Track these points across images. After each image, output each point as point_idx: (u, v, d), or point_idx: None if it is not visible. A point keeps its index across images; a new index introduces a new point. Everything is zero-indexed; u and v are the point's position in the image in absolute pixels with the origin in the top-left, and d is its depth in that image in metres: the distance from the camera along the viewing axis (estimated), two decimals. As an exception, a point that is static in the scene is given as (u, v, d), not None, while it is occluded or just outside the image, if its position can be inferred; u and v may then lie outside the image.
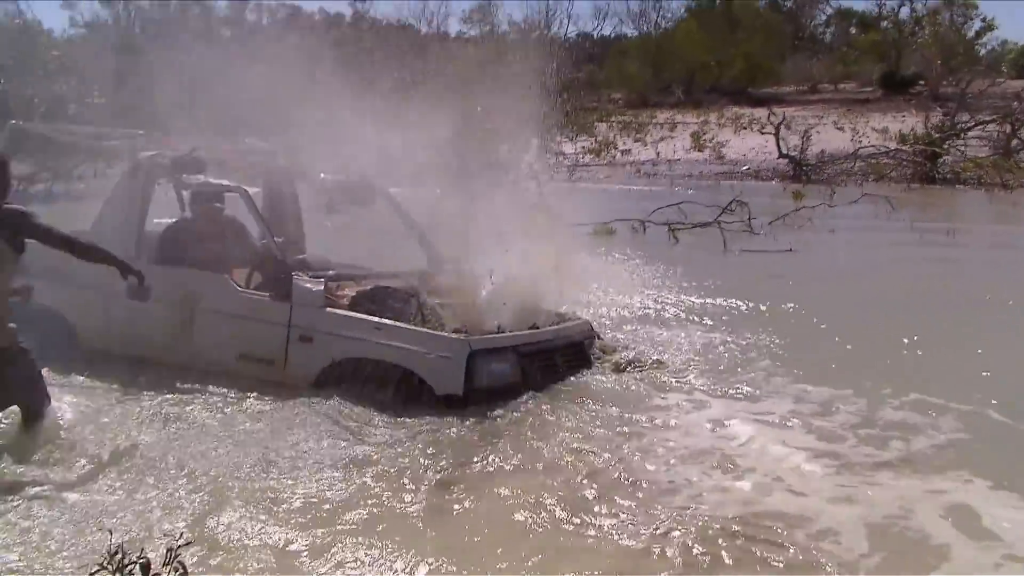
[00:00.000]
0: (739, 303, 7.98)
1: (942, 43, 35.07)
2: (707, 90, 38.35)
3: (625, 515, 3.88)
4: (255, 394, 5.19)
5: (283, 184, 6.56)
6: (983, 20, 37.90)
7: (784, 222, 12.72)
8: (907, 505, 4.01)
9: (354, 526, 3.75)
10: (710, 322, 7.29)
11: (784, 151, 19.37)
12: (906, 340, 6.73)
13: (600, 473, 4.33)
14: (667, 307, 7.86)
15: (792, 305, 7.86)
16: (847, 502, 4.06)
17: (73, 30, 44.30)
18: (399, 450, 4.49)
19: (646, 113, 32.95)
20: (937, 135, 18.64)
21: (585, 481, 4.24)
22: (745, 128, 28.18)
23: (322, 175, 6.49)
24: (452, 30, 49.97)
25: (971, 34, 37.83)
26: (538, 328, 5.52)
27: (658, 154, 23.70)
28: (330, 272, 5.52)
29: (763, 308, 7.77)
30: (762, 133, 21.55)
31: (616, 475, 4.31)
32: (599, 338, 6.15)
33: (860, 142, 21.22)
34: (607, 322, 7.09)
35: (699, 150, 24.41)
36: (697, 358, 6.26)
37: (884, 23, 42.93)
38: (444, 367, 4.97)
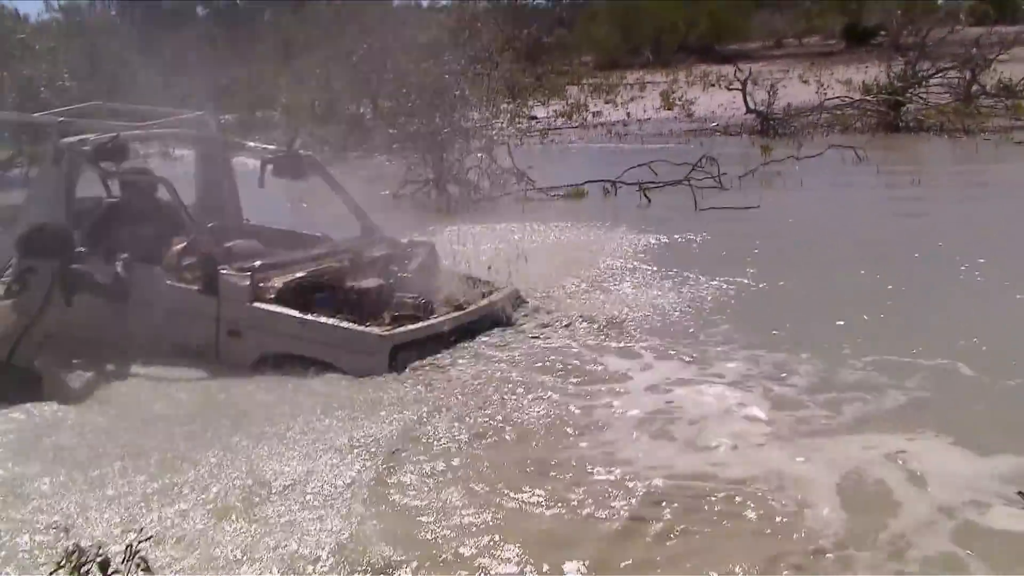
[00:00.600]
0: (703, 262, 7.69)
1: (902, -6, 34.58)
2: (675, 50, 37.78)
3: (579, 490, 3.67)
4: (203, 372, 5.03)
5: (215, 152, 6.38)
6: (941, -31, 37.41)
7: (753, 176, 12.45)
8: (863, 468, 3.79)
9: (309, 506, 3.56)
10: (669, 282, 7.00)
11: (752, 106, 19.04)
12: (869, 295, 6.42)
13: (547, 446, 4.10)
14: (627, 268, 7.56)
15: (756, 262, 7.59)
16: (804, 466, 3.85)
17: (48, 15, 43.10)
18: (342, 421, 4.34)
19: (616, 74, 32.39)
20: (899, 84, 18.35)
21: (532, 454, 4.02)
22: (713, 85, 27.72)
23: (251, 144, 6.39)
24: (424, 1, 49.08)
25: (930, -17, 37.35)
26: (463, 308, 5.36)
27: (628, 115, 23.28)
28: (256, 264, 5.27)
29: (727, 267, 7.44)
30: (729, 89, 21.16)
31: (563, 447, 4.09)
32: (525, 302, 5.92)
33: (825, 94, 20.88)
34: (562, 284, 6.79)
35: (668, 109, 23.98)
36: (651, 319, 5.98)
37: (845, -24, 42.32)
38: (367, 364, 4.83)
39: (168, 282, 5.22)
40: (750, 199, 10.67)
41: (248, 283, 5.03)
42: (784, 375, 4.95)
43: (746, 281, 7.03)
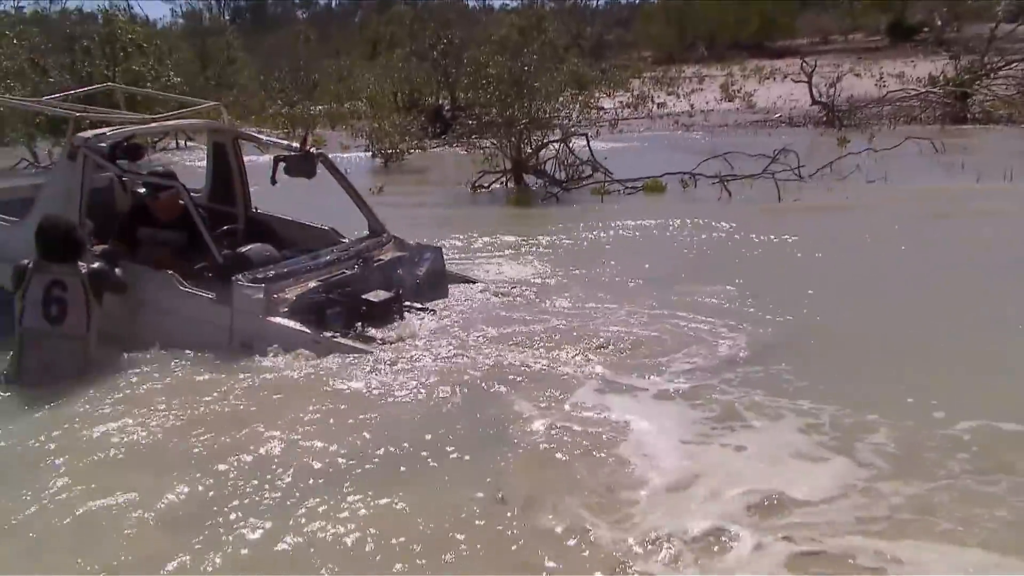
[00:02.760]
0: (774, 269, 5.97)
1: (945, -7, 31.45)
2: (727, 46, 35.22)
3: None
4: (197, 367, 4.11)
5: (228, 144, 5.55)
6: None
7: (831, 170, 10.55)
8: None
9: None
10: (729, 290, 5.19)
11: (816, 97, 16.91)
12: (978, 328, 4.37)
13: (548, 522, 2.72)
14: (681, 277, 5.75)
15: (837, 270, 5.81)
16: None
17: (171, 20, 42.94)
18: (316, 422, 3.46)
19: (674, 68, 30.16)
20: (967, 76, 16.03)
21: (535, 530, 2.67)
22: (767, 78, 25.46)
23: (264, 137, 5.65)
24: (496, 2, 47.50)
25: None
26: None
27: (692, 106, 21.27)
28: (271, 273, 4.47)
29: (801, 281, 5.60)
30: (794, 82, 18.97)
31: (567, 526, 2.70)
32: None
33: (884, 86, 18.61)
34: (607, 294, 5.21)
35: (730, 100, 21.88)
36: (693, 344, 4.20)
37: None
38: None
39: (183, 288, 4.39)
40: (833, 194, 8.83)
41: (262, 295, 4.25)
42: (855, 442, 3.18)
43: (822, 296, 5.14)
